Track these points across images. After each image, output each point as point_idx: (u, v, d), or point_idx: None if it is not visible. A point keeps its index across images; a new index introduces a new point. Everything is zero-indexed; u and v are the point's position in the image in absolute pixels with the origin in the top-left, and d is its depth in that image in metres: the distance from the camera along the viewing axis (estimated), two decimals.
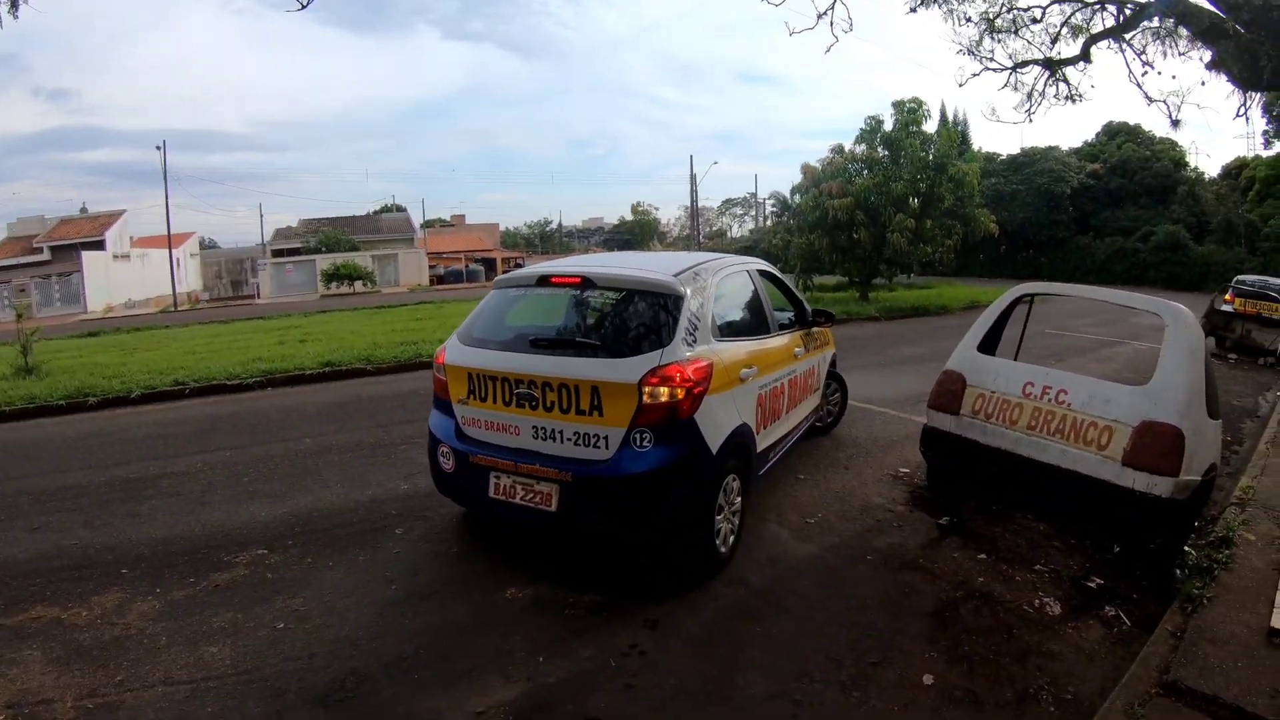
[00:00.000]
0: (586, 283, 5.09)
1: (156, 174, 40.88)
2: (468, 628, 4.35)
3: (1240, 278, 18.89)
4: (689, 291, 4.91)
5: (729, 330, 5.36)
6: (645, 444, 4.44)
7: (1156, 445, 4.99)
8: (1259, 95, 5.03)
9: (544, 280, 5.29)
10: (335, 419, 9.17)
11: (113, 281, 41.51)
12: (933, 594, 4.87)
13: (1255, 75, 4.73)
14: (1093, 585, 5.07)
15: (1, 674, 3.89)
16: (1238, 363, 15.38)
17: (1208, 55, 5.01)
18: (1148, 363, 5.33)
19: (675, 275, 5.00)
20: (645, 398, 4.41)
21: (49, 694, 3.72)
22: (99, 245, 42.22)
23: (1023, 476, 5.67)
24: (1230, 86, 5.07)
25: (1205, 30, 4.78)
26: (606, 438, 4.50)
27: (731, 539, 5.14)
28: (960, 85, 14.41)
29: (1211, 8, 4.71)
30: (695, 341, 4.75)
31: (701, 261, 5.49)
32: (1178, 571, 5.18)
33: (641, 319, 4.86)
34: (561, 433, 4.60)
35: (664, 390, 4.43)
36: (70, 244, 41.70)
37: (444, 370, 5.09)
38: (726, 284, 5.60)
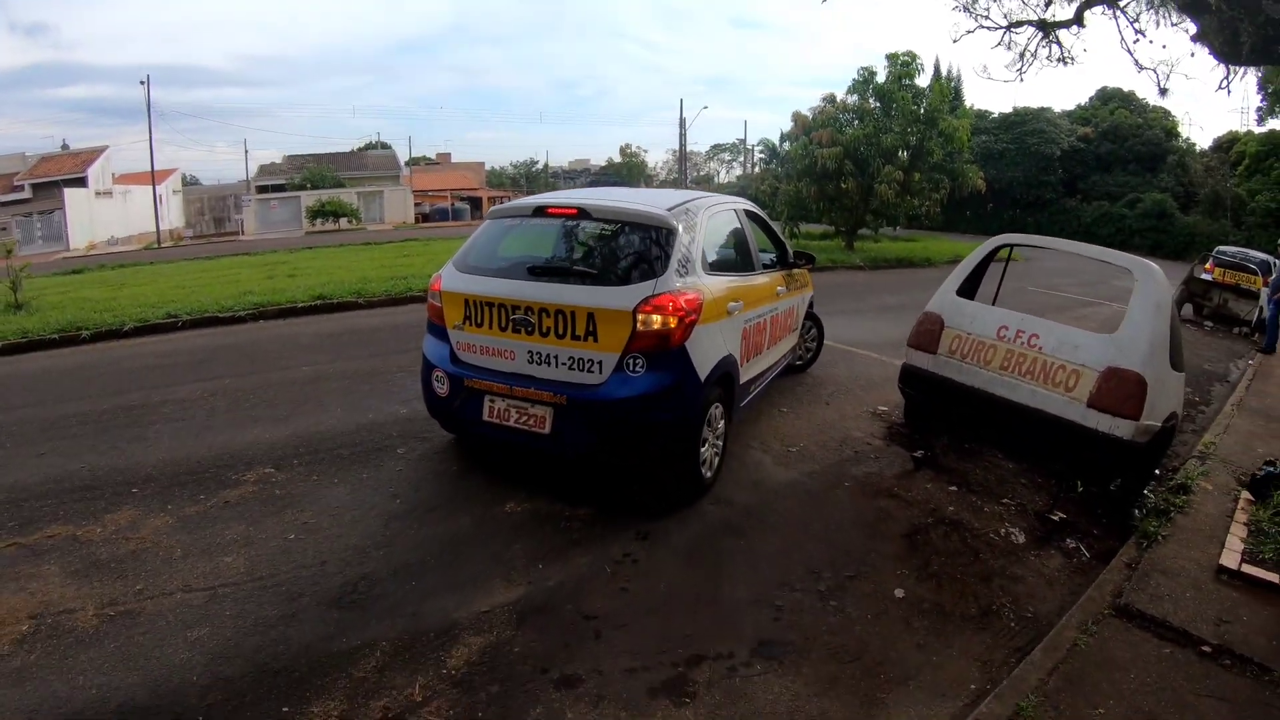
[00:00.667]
0: (583, 213, 5.20)
1: (137, 110, 40.20)
2: (470, 538, 4.62)
3: (1221, 248, 19.24)
4: (681, 226, 5.05)
5: (717, 266, 5.51)
6: (638, 369, 4.61)
7: (1120, 390, 5.27)
8: (1241, 69, 5.12)
9: (540, 210, 5.38)
10: (330, 349, 9.28)
11: (95, 219, 40.79)
12: (905, 519, 5.21)
13: (1235, 49, 4.86)
14: (1056, 519, 5.44)
15: (22, 588, 3.98)
16: (1213, 330, 15.82)
17: (1194, 28, 5.07)
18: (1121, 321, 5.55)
19: (669, 210, 5.13)
20: (639, 325, 4.57)
21: (70, 604, 3.83)
22: (81, 182, 41.28)
23: (994, 414, 5.94)
24: (1213, 60, 5.15)
25: (1190, 3, 4.87)
26: (600, 363, 4.65)
27: (715, 465, 5.37)
28: (954, 41, 14.43)
29: None
30: (687, 274, 4.91)
31: (692, 199, 5.64)
32: (1136, 512, 5.58)
33: (636, 250, 4.98)
34: (556, 357, 4.74)
35: (657, 318, 4.58)
36: (52, 181, 40.82)
37: (440, 296, 5.18)
38: (715, 221, 5.73)
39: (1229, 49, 4.80)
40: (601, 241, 5.36)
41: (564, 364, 4.74)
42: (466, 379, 4.95)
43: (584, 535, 4.68)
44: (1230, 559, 4.79)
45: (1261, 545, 5.00)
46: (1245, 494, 5.90)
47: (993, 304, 6.93)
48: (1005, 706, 3.29)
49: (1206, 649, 3.89)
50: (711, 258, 5.45)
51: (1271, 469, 6.02)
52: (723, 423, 5.39)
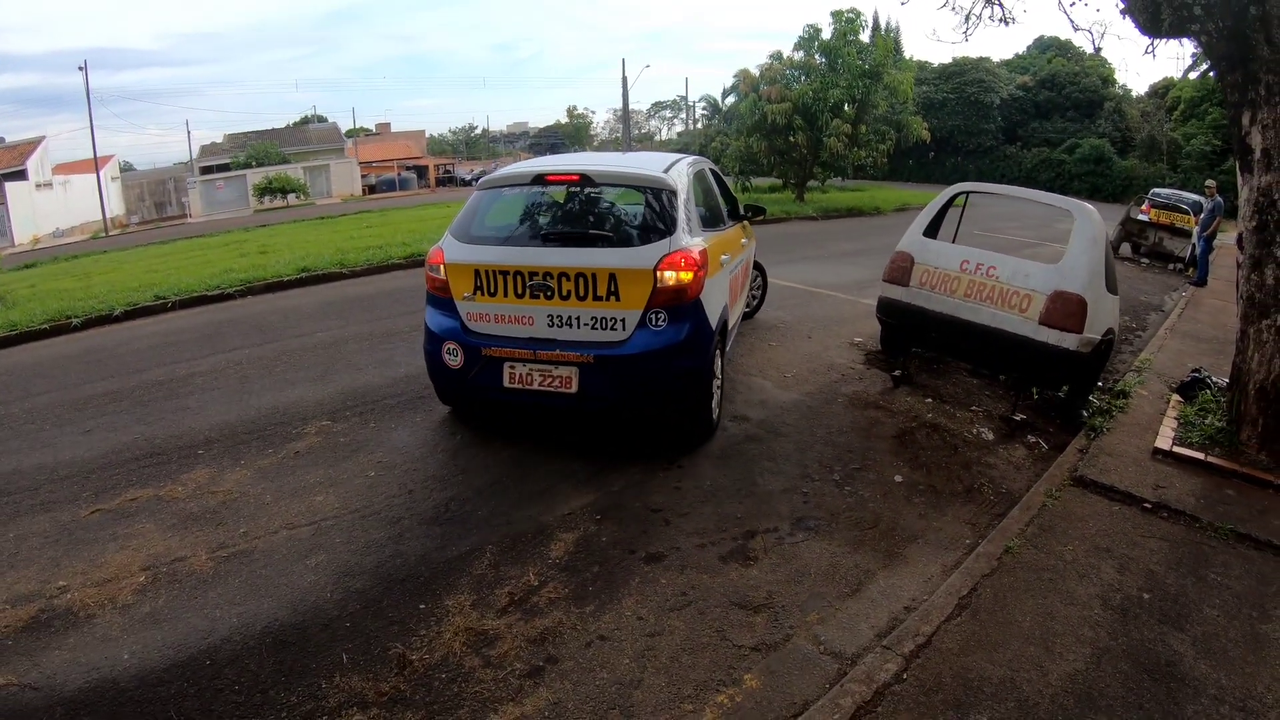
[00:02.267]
0: (585, 179, 5.31)
1: (62, 99, 38.88)
2: (533, 460, 5.31)
3: (1156, 190, 20.42)
4: (679, 186, 5.30)
5: (706, 222, 5.82)
6: (660, 323, 4.87)
7: (1065, 309, 6.15)
8: (1163, 40, 5.83)
9: (540, 178, 5.41)
10: (335, 316, 9.59)
11: (37, 211, 39.21)
12: (893, 425, 6.11)
13: (1156, 24, 5.49)
14: (1017, 419, 6.39)
15: (124, 546, 4.24)
16: (1149, 267, 16.98)
17: (1123, 3, 5.80)
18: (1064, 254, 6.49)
19: (664, 172, 5.36)
20: (660, 281, 4.82)
21: (180, 553, 4.16)
22: (20, 175, 39.82)
23: (961, 335, 6.82)
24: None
25: None
26: (624, 320, 4.88)
27: (719, 404, 5.81)
28: (902, 3, 14.95)
29: None
30: (691, 231, 5.18)
31: (676, 160, 5.87)
32: (1084, 413, 6.51)
33: (646, 211, 5.16)
34: (578, 319, 4.91)
35: (675, 274, 4.84)
36: None
37: (442, 269, 5.19)
38: (696, 181, 6.00)
39: (1151, 24, 5.47)
40: (611, 205, 5.55)
41: (586, 324, 4.91)
42: (484, 348, 5.04)
43: (633, 449, 5.44)
44: (1164, 442, 5.75)
45: (1189, 433, 5.97)
46: (1175, 396, 6.89)
47: (953, 241, 7.82)
48: (997, 547, 4.24)
49: (1147, 505, 4.89)
50: (700, 214, 5.69)
51: (1198, 375, 7.02)
52: (720, 365, 5.75)
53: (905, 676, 3.31)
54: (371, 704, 3.14)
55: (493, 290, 5.04)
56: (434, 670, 3.34)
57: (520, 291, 4.97)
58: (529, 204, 5.57)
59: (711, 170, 6.87)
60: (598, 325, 4.91)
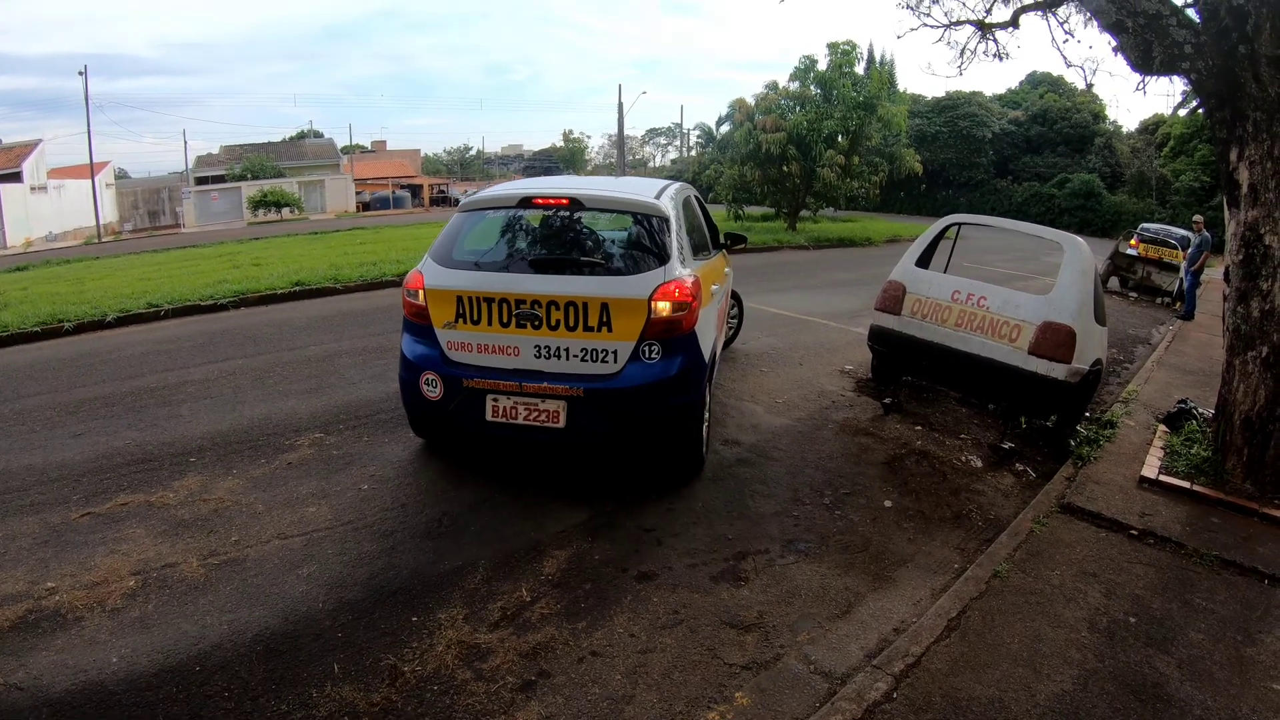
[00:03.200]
0: (575, 204, 5.04)
1: (58, 103, 38.81)
2: (526, 478, 5.32)
3: (1145, 225, 20.67)
4: (671, 213, 5.14)
5: (694, 250, 5.62)
6: (654, 356, 4.67)
7: (1054, 339, 6.26)
8: (1154, 76, 5.99)
9: (527, 201, 5.14)
10: (329, 330, 9.62)
11: (31, 214, 38.85)
12: (883, 451, 6.17)
13: (1148, 62, 5.63)
14: (1006, 447, 6.45)
15: (113, 550, 4.22)
16: (1137, 300, 17.20)
17: (1115, 41, 5.94)
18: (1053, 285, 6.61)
19: (656, 198, 5.20)
20: (655, 312, 4.62)
21: (170, 559, 4.14)
22: (15, 178, 39.53)
23: (951, 364, 6.92)
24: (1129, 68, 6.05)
25: (1112, 24, 5.72)
26: (615, 352, 4.67)
27: (707, 438, 5.64)
28: (899, 37, 15.28)
29: (1115, 8, 5.65)
30: (684, 260, 5.02)
31: (665, 186, 5.69)
32: (1071, 442, 6.58)
33: (639, 238, 5.02)
34: (568, 350, 4.69)
35: (670, 305, 4.66)
36: None
37: (421, 294, 4.93)
38: (684, 208, 5.80)
39: (1143, 61, 5.61)
40: (601, 231, 5.42)
41: (576, 356, 4.70)
42: (466, 379, 4.79)
43: (626, 470, 5.44)
44: (1150, 471, 5.83)
45: (1175, 462, 6.05)
46: (1162, 426, 6.97)
47: (945, 271, 7.94)
48: (985, 571, 4.30)
49: (1134, 532, 4.96)
50: (690, 243, 5.52)
51: (1184, 406, 7.11)
52: (708, 398, 5.51)
53: (895, 696, 3.34)
54: (363, 714, 3.14)
55: (476, 318, 4.80)
56: (426, 682, 3.35)
57: (506, 320, 4.74)
58: (515, 228, 5.36)
59: (695, 197, 6.69)
60: (588, 357, 4.71)
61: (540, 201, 5.14)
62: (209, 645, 3.49)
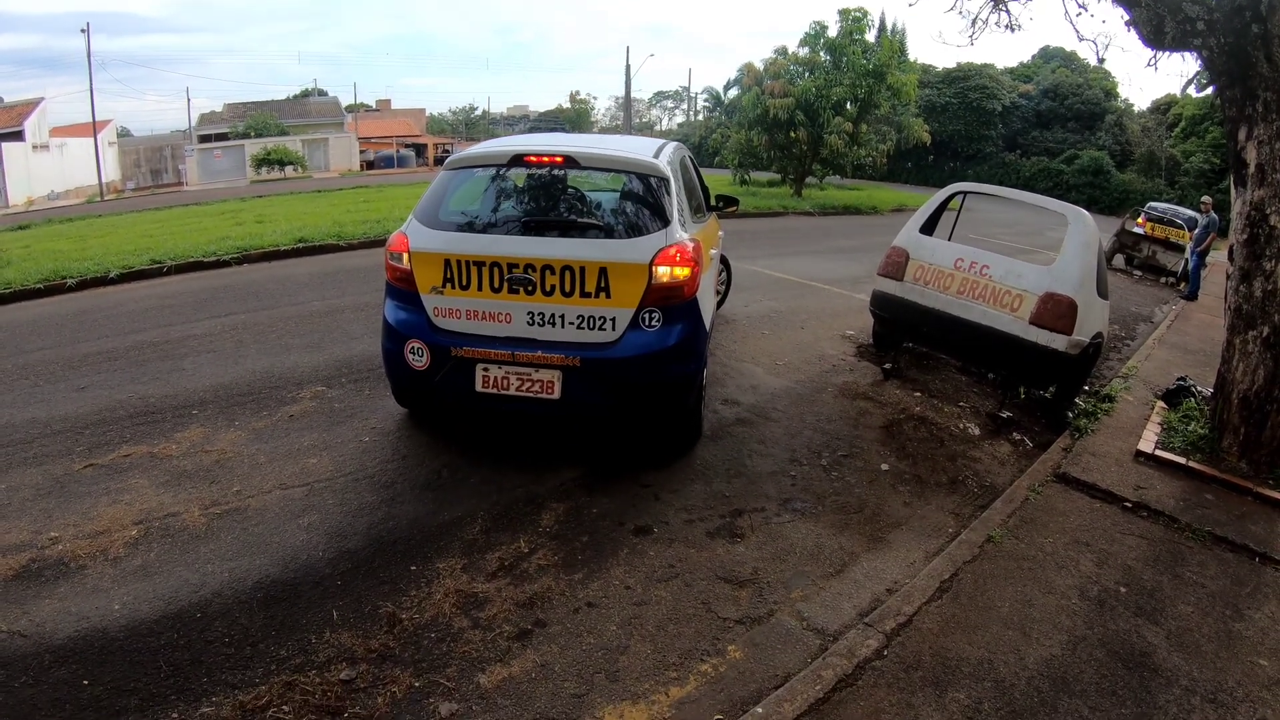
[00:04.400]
0: (570, 162, 4.74)
1: (60, 61, 38.42)
2: (525, 431, 5.34)
3: (1152, 204, 20.61)
4: (670, 173, 4.85)
5: (693, 212, 5.41)
6: (654, 323, 4.44)
7: (1055, 310, 6.26)
8: (1166, 53, 5.94)
9: (518, 159, 4.82)
10: (331, 285, 9.64)
11: (33, 173, 38.58)
12: (881, 415, 6.20)
13: (1160, 37, 5.58)
14: (1004, 416, 6.49)
15: (116, 500, 4.26)
16: (1141, 279, 17.12)
17: (1128, 15, 5.88)
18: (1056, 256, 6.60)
19: (655, 156, 4.93)
20: (655, 278, 4.38)
21: (172, 508, 4.18)
22: (17, 136, 39.14)
23: (952, 331, 6.92)
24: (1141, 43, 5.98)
25: None
26: (614, 319, 4.43)
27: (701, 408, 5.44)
28: (910, 5, 15.08)
29: None
30: (684, 223, 4.76)
31: (662, 145, 5.43)
32: (1069, 414, 6.60)
33: (638, 200, 4.74)
34: (563, 317, 4.45)
35: (672, 270, 4.42)
36: None
37: (405, 258, 4.63)
38: (681, 168, 5.54)
39: (1155, 36, 5.56)
40: (597, 191, 5.25)
41: (572, 323, 4.45)
42: (454, 348, 4.52)
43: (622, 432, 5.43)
44: (1146, 445, 5.87)
45: (1171, 438, 6.07)
46: (1160, 403, 6.99)
47: (949, 239, 7.91)
48: (979, 535, 4.34)
49: (1128, 504, 5.00)
50: (689, 205, 5.30)
51: (1183, 383, 7.13)
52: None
53: (886, 653, 3.39)
54: (360, 660, 3.20)
55: (465, 283, 4.50)
56: (423, 629, 3.40)
57: (497, 285, 4.45)
58: (506, 187, 5.05)
59: (690, 158, 6.39)
60: (585, 324, 4.45)
61: (533, 159, 4.81)
62: (210, 592, 3.54)
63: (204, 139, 50.46)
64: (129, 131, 62.47)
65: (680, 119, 74.10)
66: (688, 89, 74.93)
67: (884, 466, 5.33)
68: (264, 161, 44.36)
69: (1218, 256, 15.69)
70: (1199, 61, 5.87)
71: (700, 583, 3.85)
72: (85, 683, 3.02)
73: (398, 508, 4.34)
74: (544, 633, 3.42)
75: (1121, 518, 4.85)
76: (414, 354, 4.61)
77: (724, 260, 8.36)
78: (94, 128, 41.40)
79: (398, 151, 53.77)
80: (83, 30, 39.70)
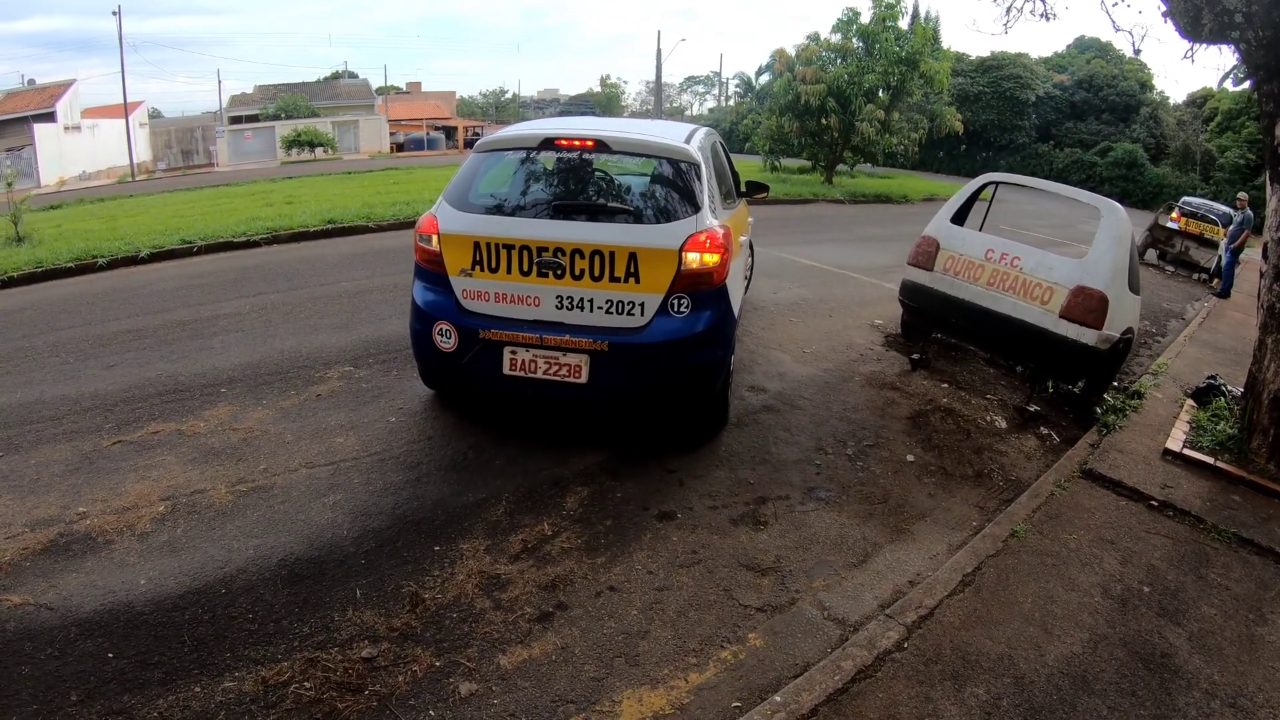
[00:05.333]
0: (601, 146, 4.72)
1: (92, 43, 38.88)
2: (551, 414, 5.36)
3: (1186, 198, 20.22)
4: (701, 158, 4.83)
5: (723, 198, 5.37)
6: (683, 309, 4.43)
7: (1086, 304, 6.18)
8: (1203, 45, 5.83)
9: (549, 142, 4.83)
10: (360, 266, 9.68)
11: (65, 154, 39.18)
12: (908, 406, 6.17)
13: (1197, 29, 5.47)
14: (1031, 410, 6.41)
15: (143, 477, 4.30)
16: (1174, 275, 16.88)
17: (1165, 6, 5.78)
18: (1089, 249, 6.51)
19: (686, 142, 4.90)
20: (685, 264, 4.37)
21: (199, 485, 4.23)
22: (50, 118, 39.60)
23: (981, 322, 6.85)
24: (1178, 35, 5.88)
25: None
26: (642, 304, 4.42)
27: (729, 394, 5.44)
28: None
29: None
30: (714, 210, 4.73)
31: (693, 130, 5.42)
32: (1097, 409, 6.52)
33: (669, 184, 4.72)
34: (592, 301, 4.44)
35: (702, 256, 4.40)
36: (19, 117, 39.28)
37: (436, 240, 4.64)
38: (712, 154, 5.51)
39: (1192, 28, 5.44)
40: (627, 176, 5.24)
41: (600, 308, 4.45)
42: (482, 330, 4.52)
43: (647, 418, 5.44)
44: (1174, 444, 5.79)
45: (1200, 437, 5.99)
46: (1189, 401, 6.90)
47: (980, 229, 7.80)
48: (1003, 530, 4.32)
49: (1154, 503, 4.94)
50: (719, 191, 5.25)
51: (1213, 382, 7.03)
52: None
53: (906, 645, 3.38)
54: (383, 638, 3.24)
55: (494, 266, 4.51)
56: (445, 609, 3.44)
57: (526, 269, 4.46)
58: (536, 170, 5.04)
59: (720, 143, 6.33)
60: (613, 309, 4.44)
61: (564, 143, 4.80)
62: (235, 569, 3.58)
63: (234, 120, 50.82)
64: (160, 113, 63.10)
65: (711, 104, 73.72)
66: (719, 74, 74.63)
67: (909, 457, 5.30)
68: (294, 143, 44.61)
69: (1252, 254, 15.42)
70: (1236, 55, 5.75)
71: (722, 569, 3.85)
72: (110, 656, 3.08)
73: (423, 488, 4.38)
74: (565, 615, 3.45)
75: (1147, 516, 4.80)
76: (442, 336, 4.63)
77: (749, 246, 8.31)
78: (125, 109, 41.88)
79: (428, 134, 53.88)
80: (114, 13, 40.06)
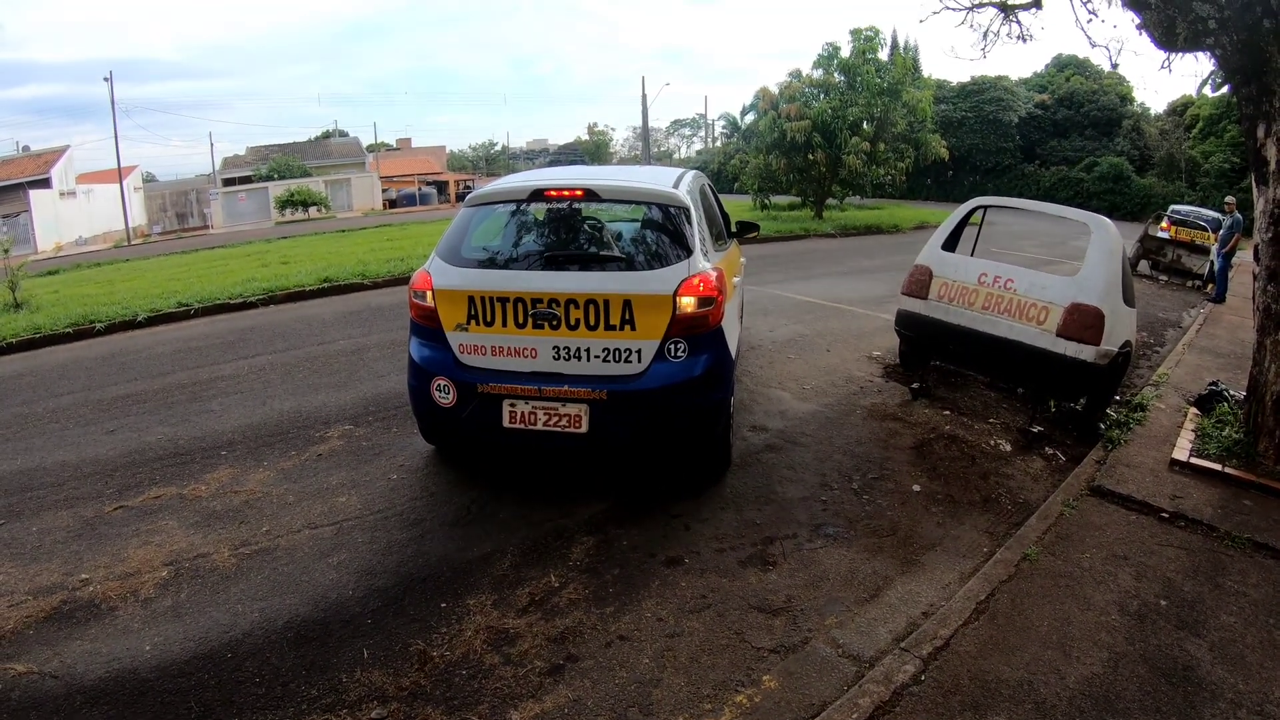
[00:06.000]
0: (590, 195, 4.75)
1: (85, 109, 39.44)
2: (553, 465, 5.33)
3: (1175, 207, 20.42)
4: (690, 202, 4.84)
5: (714, 240, 5.38)
6: (680, 354, 4.42)
7: (1082, 321, 6.19)
8: (1179, 54, 5.93)
9: (538, 194, 4.84)
10: (356, 324, 9.73)
11: (60, 219, 39.69)
12: (911, 436, 6.13)
13: (1171, 39, 5.56)
14: (1035, 431, 6.39)
15: (146, 541, 4.30)
16: (1167, 284, 16.89)
17: (1138, 19, 5.87)
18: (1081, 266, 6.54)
19: (675, 186, 4.92)
20: (680, 308, 4.37)
21: (202, 549, 4.22)
22: (45, 183, 40.18)
23: (979, 347, 6.87)
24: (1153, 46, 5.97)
25: (1134, 1, 5.66)
26: (639, 351, 4.41)
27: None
28: (921, 22, 15.13)
29: None
30: (706, 253, 4.75)
31: (681, 174, 5.45)
32: (1101, 425, 6.50)
33: (659, 230, 4.72)
34: (589, 350, 4.45)
35: (696, 300, 4.40)
36: (15, 184, 39.82)
37: (429, 295, 4.66)
38: (701, 196, 5.52)
39: (1167, 38, 5.53)
40: (618, 223, 5.29)
41: (597, 357, 4.45)
42: (480, 384, 4.51)
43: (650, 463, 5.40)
44: (1181, 454, 5.75)
45: (1206, 445, 5.95)
46: (1193, 409, 6.86)
47: (971, 254, 7.88)
48: (1014, 554, 4.27)
49: (1165, 515, 4.90)
50: (710, 233, 5.27)
51: (1215, 388, 7.01)
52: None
53: (923, 678, 3.33)
54: (392, 698, 3.18)
55: (489, 319, 4.52)
56: (455, 667, 3.39)
57: (521, 321, 4.47)
58: (527, 222, 5.07)
59: (709, 185, 6.35)
60: (610, 357, 4.44)
61: (553, 193, 4.83)
62: (241, 633, 3.55)
63: (228, 182, 51.39)
64: (154, 176, 63.74)
65: (698, 146, 74.79)
66: (704, 115, 75.69)
67: (915, 487, 5.26)
68: (288, 203, 44.93)
69: (1243, 257, 15.47)
70: (1212, 61, 5.82)
71: (733, 612, 3.80)
72: None
73: (427, 545, 4.34)
74: (576, 667, 3.39)
75: (1159, 529, 4.75)
76: (440, 391, 4.62)
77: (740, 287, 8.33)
78: (119, 174, 42.42)
79: (419, 189, 54.30)
80: (105, 78, 40.73)
